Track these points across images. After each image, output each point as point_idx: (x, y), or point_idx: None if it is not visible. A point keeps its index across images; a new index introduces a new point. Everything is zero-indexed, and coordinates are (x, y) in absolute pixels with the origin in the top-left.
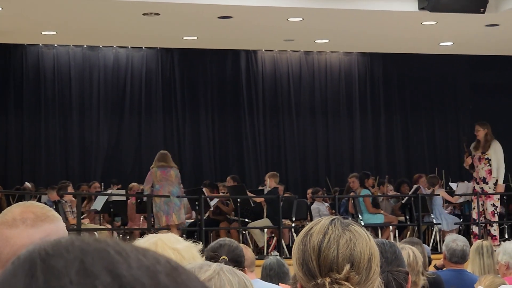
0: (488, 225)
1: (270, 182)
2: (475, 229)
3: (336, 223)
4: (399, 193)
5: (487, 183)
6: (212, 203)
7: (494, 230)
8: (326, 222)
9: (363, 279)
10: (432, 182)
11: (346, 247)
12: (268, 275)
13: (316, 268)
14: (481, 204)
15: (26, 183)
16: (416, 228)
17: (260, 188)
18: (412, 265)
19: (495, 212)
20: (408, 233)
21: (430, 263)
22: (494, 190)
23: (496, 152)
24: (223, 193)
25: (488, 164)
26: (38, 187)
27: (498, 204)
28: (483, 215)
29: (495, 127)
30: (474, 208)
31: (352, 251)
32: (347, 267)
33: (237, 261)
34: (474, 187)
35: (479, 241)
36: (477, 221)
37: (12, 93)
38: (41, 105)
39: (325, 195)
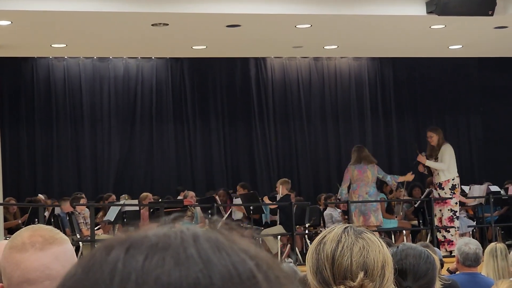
0: (443, 230)
1: (281, 189)
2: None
3: (349, 231)
4: (411, 198)
5: (443, 189)
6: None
7: (452, 235)
8: (339, 231)
9: (377, 286)
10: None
11: (359, 255)
12: None
13: (330, 276)
14: (439, 210)
15: (39, 195)
16: (429, 232)
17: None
18: None
19: (454, 217)
20: (422, 237)
21: (442, 267)
22: (451, 195)
23: (446, 154)
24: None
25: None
26: (51, 199)
27: (457, 208)
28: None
29: (505, 129)
30: (436, 215)
31: (366, 258)
32: (361, 274)
33: None
34: (432, 191)
35: (492, 243)
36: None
37: (23, 106)
38: (52, 117)
39: (338, 200)
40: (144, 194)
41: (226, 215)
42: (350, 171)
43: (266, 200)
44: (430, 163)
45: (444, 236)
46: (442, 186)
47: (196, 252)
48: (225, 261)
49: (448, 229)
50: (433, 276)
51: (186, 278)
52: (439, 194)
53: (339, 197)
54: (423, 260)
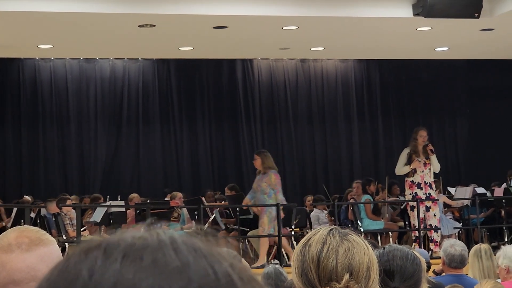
0: (433, 231)
1: None
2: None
3: (334, 233)
4: (397, 198)
5: (432, 189)
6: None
7: (438, 236)
8: (324, 232)
9: None
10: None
11: (344, 257)
12: (266, 284)
13: (316, 278)
14: (424, 210)
15: (25, 196)
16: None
17: None
18: None
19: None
20: (409, 239)
21: (429, 269)
22: (436, 195)
23: (435, 157)
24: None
25: (430, 169)
26: (37, 200)
27: None
28: (424, 222)
29: (492, 131)
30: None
31: (351, 260)
32: (346, 276)
33: None
34: (416, 193)
35: (477, 245)
36: (420, 227)
37: (9, 106)
38: (38, 118)
39: (324, 202)
40: (132, 195)
41: (211, 219)
42: (279, 176)
43: (247, 201)
44: (434, 158)
45: (432, 237)
46: (432, 187)
47: (173, 253)
48: (202, 261)
49: (437, 230)
50: (419, 277)
51: (164, 276)
52: (429, 193)
53: (284, 202)
54: (409, 261)
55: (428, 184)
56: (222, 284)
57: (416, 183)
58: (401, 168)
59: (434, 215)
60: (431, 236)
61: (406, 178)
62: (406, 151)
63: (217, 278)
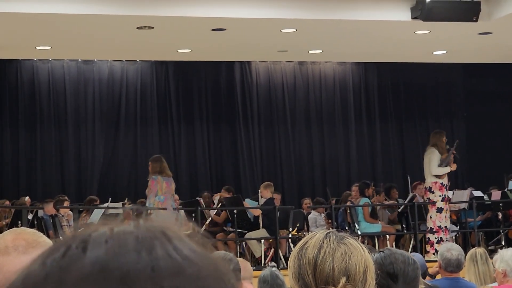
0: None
1: (265, 193)
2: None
3: (331, 237)
4: (395, 202)
5: (447, 190)
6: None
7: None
8: (321, 236)
9: None
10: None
11: (341, 260)
12: (262, 287)
13: (312, 282)
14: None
15: (26, 197)
16: (412, 236)
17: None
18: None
19: None
20: (406, 242)
21: (425, 276)
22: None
23: None
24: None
25: None
26: (34, 201)
27: None
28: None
29: (488, 134)
30: (431, 217)
31: (348, 264)
32: (343, 280)
33: None
34: (445, 195)
35: (473, 249)
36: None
37: (7, 107)
38: (36, 119)
39: (322, 204)
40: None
41: (208, 221)
42: (159, 182)
43: (246, 204)
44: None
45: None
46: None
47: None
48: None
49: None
50: (419, 279)
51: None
52: (449, 196)
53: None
54: (411, 265)
55: (448, 185)
56: (188, 272)
57: (445, 185)
58: (439, 168)
59: (450, 217)
60: (446, 238)
61: (436, 180)
62: (436, 152)
63: (180, 265)
